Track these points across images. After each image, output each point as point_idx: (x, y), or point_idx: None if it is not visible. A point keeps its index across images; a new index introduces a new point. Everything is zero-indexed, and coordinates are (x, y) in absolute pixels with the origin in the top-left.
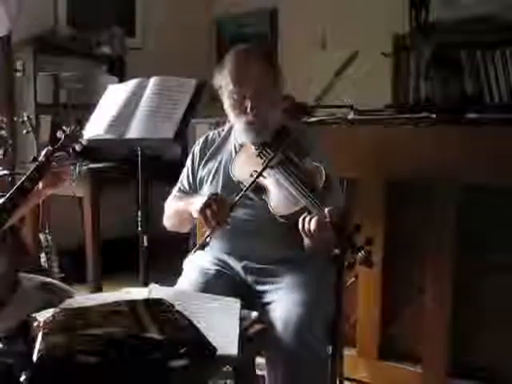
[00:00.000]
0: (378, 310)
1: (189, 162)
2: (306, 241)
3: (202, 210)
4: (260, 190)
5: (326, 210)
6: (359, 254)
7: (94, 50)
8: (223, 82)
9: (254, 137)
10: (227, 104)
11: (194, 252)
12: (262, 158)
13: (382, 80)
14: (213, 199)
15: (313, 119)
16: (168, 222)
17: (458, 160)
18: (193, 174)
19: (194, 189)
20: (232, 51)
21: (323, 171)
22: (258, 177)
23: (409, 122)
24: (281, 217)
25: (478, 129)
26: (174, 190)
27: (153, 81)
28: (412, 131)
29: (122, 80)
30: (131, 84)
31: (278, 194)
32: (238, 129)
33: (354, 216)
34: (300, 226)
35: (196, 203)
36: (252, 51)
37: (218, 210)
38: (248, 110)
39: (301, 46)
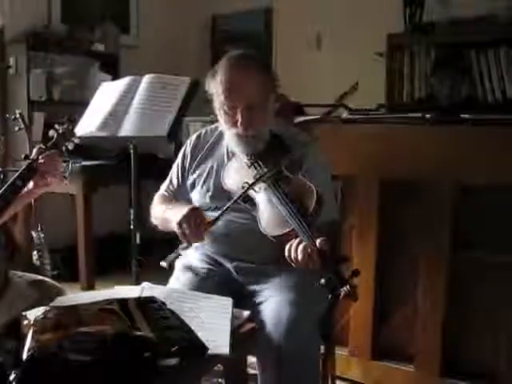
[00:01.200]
0: (371, 309)
1: (179, 161)
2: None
3: (180, 224)
4: (250, 201)
5: (318, 240)
6: (344, 288)
7: (87, 48)
8: (215, 91)
9: (245, 148)
10: (219, 113)
11: (167, 264)
12: (253, 169)
13: (376, 79)
14: (191, 214)
15: (307, 118)
16: (155, 221)
17: (453, 159)
18: (183, 174)
19: (183, 189)
20: (226, 59)
21: (315, 192)
22: (247, 190)
23: (403, 122)
24: (271, 237)
25: (472, 128)
26: (162, 188)
27: (146, 78)
28: (407, 130)
29: (115, 77)
30: (125, 81)
31: (269, 213)
32: (229, 138)
33: (349, 216)
34: (286, 253)
35: (177, 214)
36: (247, 62)
37: (194, 225)
38: (239, 123)
39: (295, 46)
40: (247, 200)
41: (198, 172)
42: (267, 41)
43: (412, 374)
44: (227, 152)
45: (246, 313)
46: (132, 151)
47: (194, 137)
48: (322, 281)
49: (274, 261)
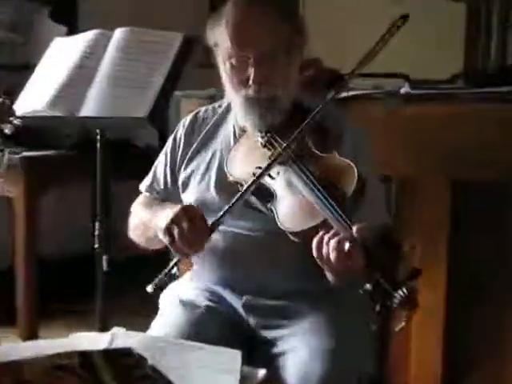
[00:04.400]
0: (440, 365)
1: (168, 150)
2: (327, 271)
3: (168, 229)
4: (267, 195)
5: (355, 227)
6: (400, 292)
7: None
8: (219, 39)
9: (258, 119)
10: (223, 70)
11: (153, 289)
12: (269, 149)
13: (450, 37)
14: (184, 213)
15: (349, 94)
16: (133, 234)
17: None
18: (172, 168)
19: (172, 189)
20: None
21: (355, 170)
22: (260, 177)
23: (489, 99)
24: (292, 234)
25: None
26: (143, 187)
27: (118, 34)
28: (493, 112)
29: (73, 31)
30: (87, 37)
31: (290, 202)
32: (236, 106)
33: (407, 233)
34: (314, 251)
35: (162, 218)
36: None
37: (190, 228)
38: (251, 80)
39: None
40: (263, 194)
41: (194, 163)
42: None
43: None
44: (234, 132)
45: (262, 372)
46: (98, 138)
47: (188, 118)
48: (368, 286)
49: (298, 294)
